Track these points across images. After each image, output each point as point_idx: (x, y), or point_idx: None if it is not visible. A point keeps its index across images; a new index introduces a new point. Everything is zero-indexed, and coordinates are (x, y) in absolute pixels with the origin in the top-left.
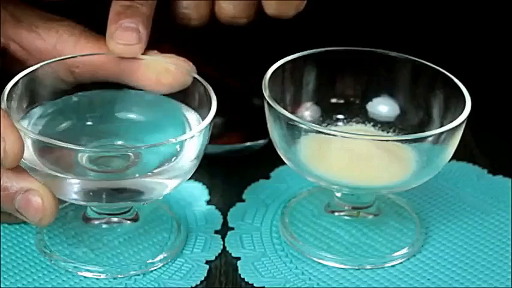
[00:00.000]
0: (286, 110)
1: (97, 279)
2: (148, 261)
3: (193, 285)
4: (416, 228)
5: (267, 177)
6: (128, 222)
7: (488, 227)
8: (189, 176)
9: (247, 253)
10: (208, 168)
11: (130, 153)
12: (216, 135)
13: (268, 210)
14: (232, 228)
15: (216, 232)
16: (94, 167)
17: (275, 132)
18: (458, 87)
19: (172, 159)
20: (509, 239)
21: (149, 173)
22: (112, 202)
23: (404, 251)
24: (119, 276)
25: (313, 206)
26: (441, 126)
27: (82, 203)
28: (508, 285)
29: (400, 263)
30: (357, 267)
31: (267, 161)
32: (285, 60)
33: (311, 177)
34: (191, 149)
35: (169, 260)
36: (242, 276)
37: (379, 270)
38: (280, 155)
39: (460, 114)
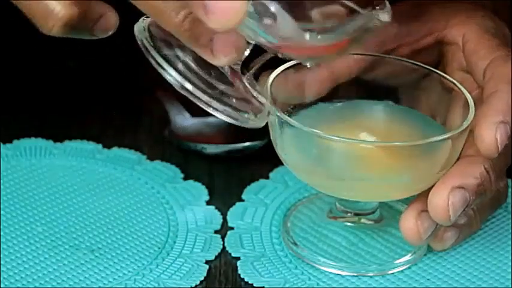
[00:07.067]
0: (288, 115)
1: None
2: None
3: (193, 285)
4: None
5: (267, 177)
6: None
7: (489, 231)
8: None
9: (246, 253)
10: (208, 168)
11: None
12: (216, 135)
13: (268, 210)
14: (232, 228)
15: (216, 232)
16: None
17: (277, 138)
18: (462, 93)
19: None
20: (509, 239)
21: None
22: None
23: (407, 258)
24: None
25: (315, 212)
26: (445, 132)
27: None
28: (508, 285)
29: (402, 270)
30: (358, 275)
31: (267, 161)
32: (287, 65)
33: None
34: None
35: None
36: (242, 276)
37: (380, 277)
38: (282, 160)
39: (464, 120)
